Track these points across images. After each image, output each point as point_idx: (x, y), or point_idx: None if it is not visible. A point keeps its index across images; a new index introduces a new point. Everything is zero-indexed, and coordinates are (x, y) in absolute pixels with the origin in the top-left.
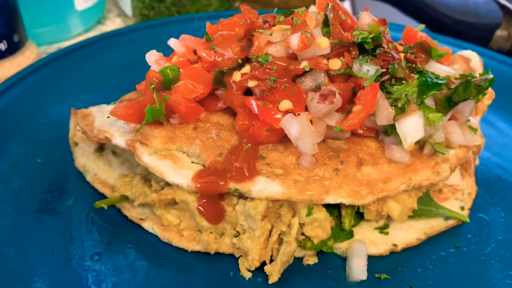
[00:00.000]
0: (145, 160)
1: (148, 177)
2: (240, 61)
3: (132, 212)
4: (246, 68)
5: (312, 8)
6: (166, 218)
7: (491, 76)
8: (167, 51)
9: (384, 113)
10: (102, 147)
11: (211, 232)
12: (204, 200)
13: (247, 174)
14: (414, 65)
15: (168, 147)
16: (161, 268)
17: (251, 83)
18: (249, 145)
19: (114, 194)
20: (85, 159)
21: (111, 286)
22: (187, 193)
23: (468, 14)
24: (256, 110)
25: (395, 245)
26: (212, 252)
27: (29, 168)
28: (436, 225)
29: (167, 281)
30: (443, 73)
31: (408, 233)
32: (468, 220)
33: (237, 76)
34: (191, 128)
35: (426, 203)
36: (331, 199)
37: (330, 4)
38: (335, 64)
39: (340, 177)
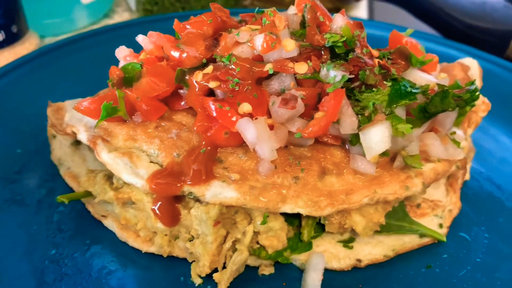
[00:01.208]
0: (103, 157)
1: (111, 174)
2: (204, 60)
3: (95, 208)
4: (209, 68)
5: (292, 9)
6: (124, 217)
7: (474, 87)
8: None
9: (347, 122)
10: (78, 141)
11: (165, 235)
12: (160, 202)
13: (203, 178)
14: (388, 72)
15: (129, 145)
16: (114, 267)
17: (213, 84)
18: (208, 147)
19: (80, 189)
20: (61, 152)
21: (63, 281)
22: (143, 193)
23: (483, 19)
24: (213, 112)
25: (359, 260)
26: (165, 255)
27: (7, 157)
28: (408, 242)
29: (117, 280)
30: (423, 81)
31: (375, 249)
32: (444, 239)
33: (198, 76)
34: (153, 127)
35: (399, 218)
36: (288, 208)
37: (308, 5)
38: (302, 68)
39: (299, 185)
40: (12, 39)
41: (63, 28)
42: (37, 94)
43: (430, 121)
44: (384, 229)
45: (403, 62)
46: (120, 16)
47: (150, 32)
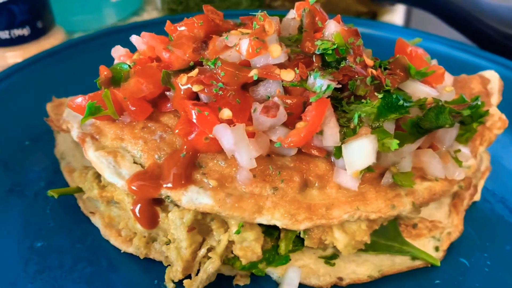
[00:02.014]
0: (89, 155)
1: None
2: (192, 63)
3: (86, 205)
4: (194, 72)
5: (291, 13)
6: (108, 215)
7: (475, 103)
8: None
9: (328, 133)
10: None
11: (144, 236)
12: (139, 203)
13: (181, 182)
14: (381, 83)
15: (116, 144)
16: (95, 264)
17: (196, 88)
18: (189, 152)
19: (73, 185)
20: (64, 147)
21: (44, 274)
22: (125, 194)
23: None
24: (193, 116)
25: (340, 278)
26: (142, 257)
27: (15, 148)
28: (398, 263)
29: (89, 276)
30: (422, 94)
31: (360, 268)
32: (438, 263)
33: (183, 79)
34: (139, 128)
35: (389, 238)
36: (264, 220)
37: (306, 9)
38: (288, 75)
39: (278, 197)
40: (37, 34)
41: (92, 25)
42: (51, 90)
43: (427, 137)
44: (370, 248)
45: (402, 73)
46: (149, 14)
47: (143, 33)
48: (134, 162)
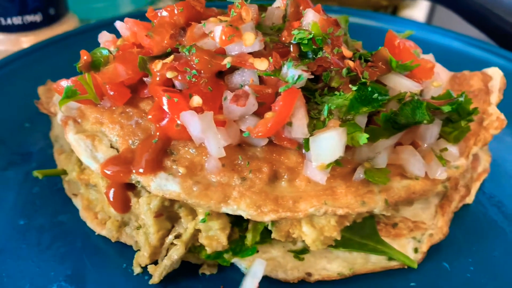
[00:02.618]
0: (69, 137)
1: None
2: (169, 49)
3: (70, 187)
4: (169, 58)
5: (278, 2)
6: (87, 197)
7: (459, 99)
8: None
9: (296, 125)
10: None
11: (117, 220)
12: (112, 187)
13: (152, 168)
14: (358, 75)
15: (96, 128)
16: (67, 243)
17: (170, 74)
18: (161, 138)
19: (59, 167)
20: (58, 130)
21: (21, 251)
22: (100, 177)
23: None
24: (164, 102)
25: (309, 274)
26: (113, 240)
27: (15, 130)
28: (373, 262)
29: (62, 255)
30: (403, 87)
31: (331, 264)
32: (415, 265)
33: (158, 65)
34: (118, 113)
35: (365, 236)
36: (230, 210)
37: None
38: (262, 64)
39: (245, 187)
40: (49, 21)
41: (107, 13)
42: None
43: (408, 134)
44: (341, 245)
45: (384, 66)
46: (164, 4)
47: (126, 19)
48: (111, 147)
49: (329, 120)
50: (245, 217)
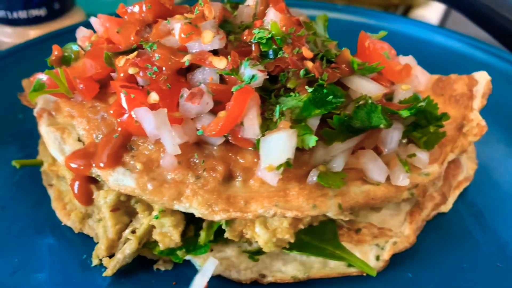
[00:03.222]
0: (41, 130)
1: None
2: (134, 46)
3: (47, 177)
4: (132, 54)
5: (249, 0)
6: (58, 188)
7: (421, 104)
8: None
9: (246, 125)
10: None
11: (81, 212)
12: (76, 180)
13: (111, 163)
14: (315, 77)
15: (67, 121)
16: (37, 231)
17: (132, 70)
18: (122, 134)
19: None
20: None
21: None
22: (66, 170)
23: None
24: (122, 98)
25: (262, 275)
26: (76, 231)
27: (8, 120)
28: (330, 268)
29: (27, 242)
30: (365, 90)
31: (286, 267)
32: (374, 273)
33: (121, 61)
34: (87, 107)
35: (324, 240)
36: (182, 207)
37: None
38: (220, 63)
39: (198, 185)
40: (54, 15)
41: (115, 8)
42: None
43: (370, 138)
44: (295, 248)
45: (347, 68)
46: None
47: (99, 15)
48: (79, 140)
49: (280, 122)
50: (196, 216)
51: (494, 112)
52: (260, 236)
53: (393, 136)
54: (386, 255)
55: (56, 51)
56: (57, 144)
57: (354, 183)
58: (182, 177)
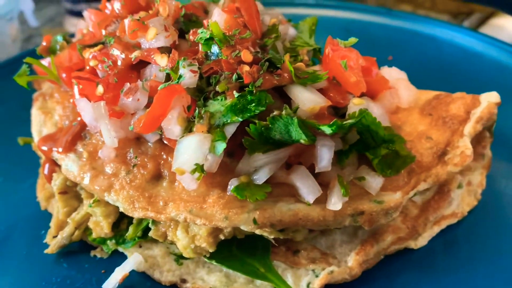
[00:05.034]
0: (32, 111)
1: None
2: (103, 40)
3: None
4: (96, 48)
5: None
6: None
7: (347, 122)
8: None
9: (165, 125)
10: None
11: (49, 191)
12: (46, 161)
13: (66, 148)
14: (244, 82)
15: (54, 106)
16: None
17: (92, 62)
18: (80, 122)
19: None
20: None
21: None
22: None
23: None
24: (75, 88)
25: (183, 280)
26: (42, 209)
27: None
28: (257, 286)
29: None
30: (302, 100)
31: (209, 276)
32: None
33: (86, 53)
34: (69, 95)
35: (254, 256)
36: (110, 200)
37: None
38: (162, 60)
39: (127, 181)
40: None
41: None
42: None
43: (305, 153)
44: (216, 258)
45: (287, 76)
46: None
47: (89, 9)
48: (56, 125)
49: (195, 125)
50: (120, 210)
51: None
52: (180, 240)
53: (322, 154)
54: (317, 284)
55: (45, 41)
56: (38, 126)
57: (284, 200)
58: (115, 170)
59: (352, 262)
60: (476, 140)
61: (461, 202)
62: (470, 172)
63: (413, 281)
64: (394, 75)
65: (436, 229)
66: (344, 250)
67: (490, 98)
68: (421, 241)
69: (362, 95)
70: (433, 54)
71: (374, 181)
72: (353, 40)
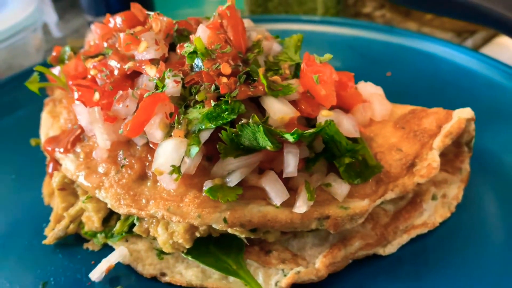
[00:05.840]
0: (42, 115)
1: None
2: (104, 52)
3: None
4: (97, 58)
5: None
6: None
7: (307, 131)
8: None
9: (147, 129)
10: None
11: (52, 187)
12: (51, 161)
13: (67, 149)
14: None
15: (62, 111)
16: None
17: (92, 72)
18: (80, 125)
19: None
20: None
21: None
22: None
23: None
24: (75, 94)
25: (163, 274)
26: (46, 204)
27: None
28: (230, 282)
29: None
30: (273, 111)
31: (187, 271)
32: None
33: (88, 63)
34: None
35: (228, 253)
36: (100, 196)
37: (215, 13)
38: (151, 71)
39: (115, 179)
40: None
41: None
42: None
43: (275, 159)
44: (192, 254)
45: (261, 88)
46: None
47: (96, 23)
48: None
49: (174, 130)
50: (108, 206)
51: None
52: (160, 236)
53: (288, 160)
54: (284, 283)
55: (55, 52)
56: (46, 129)
57: (256, 202)
58: (106, 170)
59: (319, 264)
60: (454, 154)
61: (434, 213)
62: (446, 185)
63: (381, 286)
64: (369, 90)
65: (406, 238)
66: (314, 252)
67: (462, 114)
68: (390, 248)
69: (336, 108)
70: (431, 71)
71: (340, 188)
72: (328, 56)
